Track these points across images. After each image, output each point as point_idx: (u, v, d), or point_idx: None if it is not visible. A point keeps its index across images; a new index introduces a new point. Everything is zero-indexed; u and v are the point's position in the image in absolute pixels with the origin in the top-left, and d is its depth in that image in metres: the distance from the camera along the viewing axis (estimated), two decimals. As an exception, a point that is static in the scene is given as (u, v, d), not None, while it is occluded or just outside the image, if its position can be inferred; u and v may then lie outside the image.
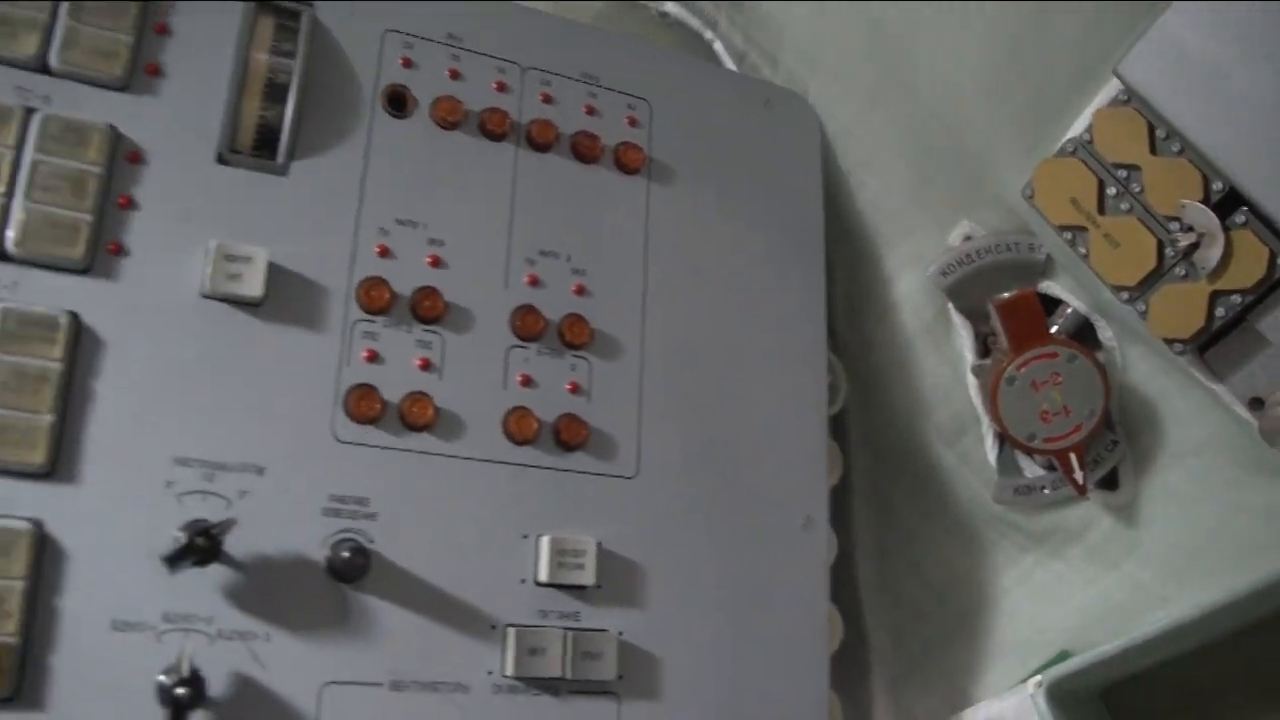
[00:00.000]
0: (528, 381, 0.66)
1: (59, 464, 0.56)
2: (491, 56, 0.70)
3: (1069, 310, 0.76)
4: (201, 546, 0.55)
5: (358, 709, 0.59)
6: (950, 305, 0.78)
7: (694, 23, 0.84)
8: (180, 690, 0.54)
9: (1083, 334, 0.75)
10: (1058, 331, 0.75)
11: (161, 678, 0.55)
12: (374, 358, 0.63)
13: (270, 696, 0.58)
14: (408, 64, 0.68)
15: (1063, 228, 0.70)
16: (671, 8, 0.84)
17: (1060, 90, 0.71)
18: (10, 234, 0.57)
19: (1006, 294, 0.73)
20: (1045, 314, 0.74)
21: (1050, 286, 0.76)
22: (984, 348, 0.77)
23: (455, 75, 0.69)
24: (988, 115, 0.73)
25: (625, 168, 0.72)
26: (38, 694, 0.54)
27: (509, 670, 0.62)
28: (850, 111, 0.80)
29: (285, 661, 0.58)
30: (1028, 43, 0.71)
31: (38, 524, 0.55)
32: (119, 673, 0.56)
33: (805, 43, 0.79)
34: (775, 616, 0.70)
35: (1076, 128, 0.71)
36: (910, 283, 0.80)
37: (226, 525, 0.55)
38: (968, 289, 0.78)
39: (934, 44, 0.74)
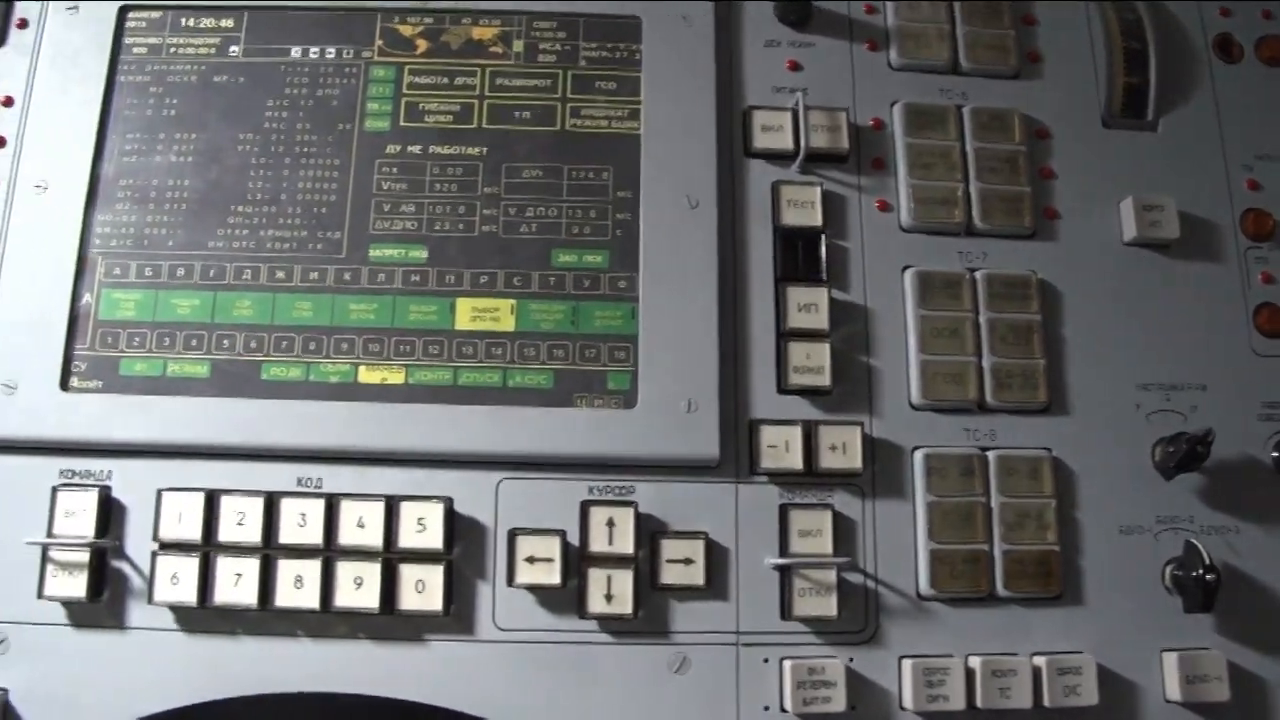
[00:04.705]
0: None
1: (1053, 400, 0.61)
2: (1291, -9, 0.71)
3: None
4: (1200, 454, 0.59)
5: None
6: None
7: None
8: (1209, 577, 0.57)
9: None
10: None
11: (1177, 571, 0.59)
12: (1269, 279, 0.65)
13: (1253, 583, 0.61)
14: (1225, 14, 0.70)
15: None
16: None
17: None
18: (975, 212, 0.62)
19: None
20: None
21: None
22: None
23: (1268, 15, 0.70)
24: None
25: None
26: (1076, 591, 0.59)
27: None
28: None
29: (1256, 551, 0.61)
30: None
31: (1049, 450, 0.60)
32: (1131, 569, 0.60)
33: None
34: None
35: None
36: None
37: (1211, 434, 0.59)
38: None
39: None
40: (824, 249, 0.61)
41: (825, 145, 0.62)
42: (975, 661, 0.57)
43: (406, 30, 0.63)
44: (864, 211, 0.62)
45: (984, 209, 0.62)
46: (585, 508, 0.57)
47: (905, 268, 0.61)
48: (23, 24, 0.64)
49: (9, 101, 0.63)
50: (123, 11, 0.63)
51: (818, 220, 0.61)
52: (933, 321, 0.60)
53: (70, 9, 0.63)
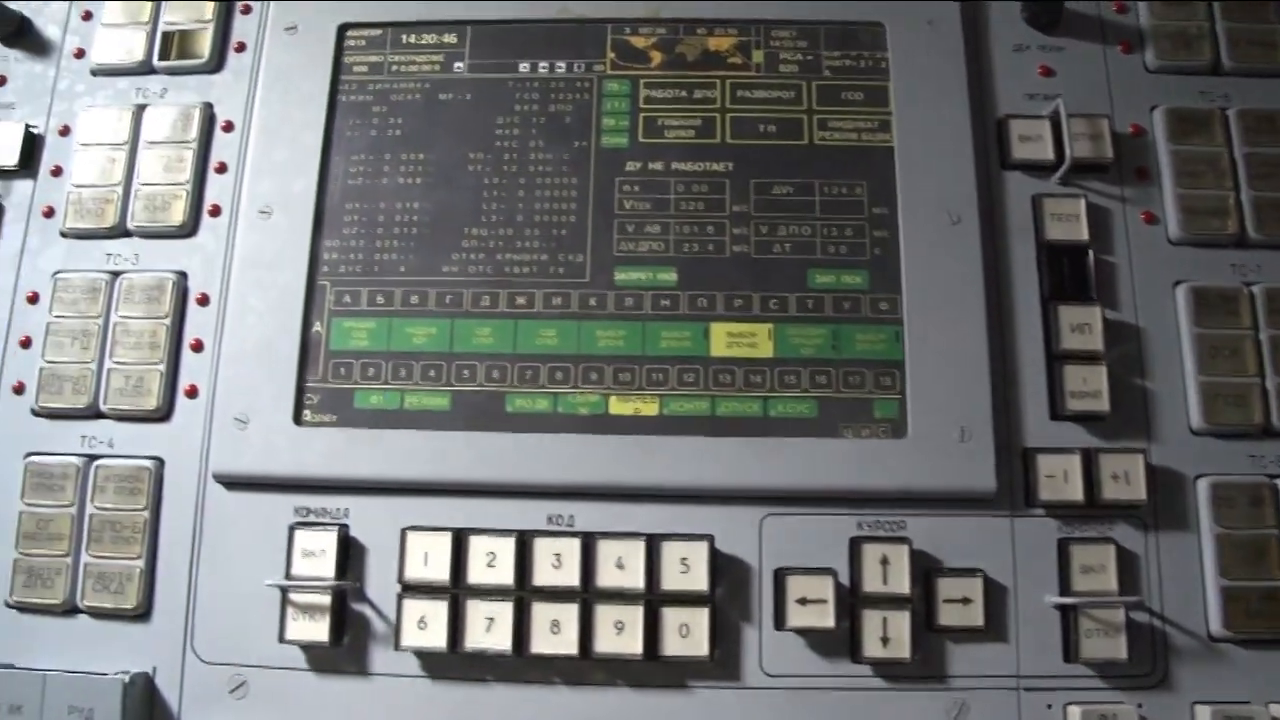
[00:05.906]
0: None
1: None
2: None
3: None
4: None
5: None
6: None
7: None
8: None
9: None
10: None
11: None
12: None
13: None
14: None
15: None
16: None
17: None
18: (1248, 222, 0.58)
19: None
20: None
21: None
22: None
23: None
24: None
25: None
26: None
27: None
28: None
29: None
30: None
31: (1338, 477, 0.55)
32: None
33: None
34: None
35: None
36: None
37: None
38: None
39: None
40: (1092, 265, 0.56)
41: (1089, 155, 0.57)
42: (1279, 710, 0.52)
43: (639, 42, 0.59)
44: (1129, 224, 0.57)
45: (1258, 219, 0.57)
46: (856, 545, 0.53)
47: (1177, 283, 0.57)
48: (240, 47, 0.60)
49: (229, 126, 0.60)
50: (342, 30, 0.60)
51: (1084, 235, 0.56)
52: (1210, 340, 0.55)
53: (289, 29, 0.59)
